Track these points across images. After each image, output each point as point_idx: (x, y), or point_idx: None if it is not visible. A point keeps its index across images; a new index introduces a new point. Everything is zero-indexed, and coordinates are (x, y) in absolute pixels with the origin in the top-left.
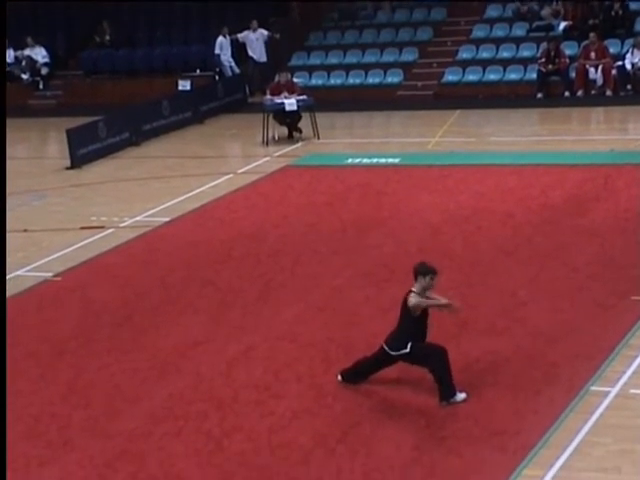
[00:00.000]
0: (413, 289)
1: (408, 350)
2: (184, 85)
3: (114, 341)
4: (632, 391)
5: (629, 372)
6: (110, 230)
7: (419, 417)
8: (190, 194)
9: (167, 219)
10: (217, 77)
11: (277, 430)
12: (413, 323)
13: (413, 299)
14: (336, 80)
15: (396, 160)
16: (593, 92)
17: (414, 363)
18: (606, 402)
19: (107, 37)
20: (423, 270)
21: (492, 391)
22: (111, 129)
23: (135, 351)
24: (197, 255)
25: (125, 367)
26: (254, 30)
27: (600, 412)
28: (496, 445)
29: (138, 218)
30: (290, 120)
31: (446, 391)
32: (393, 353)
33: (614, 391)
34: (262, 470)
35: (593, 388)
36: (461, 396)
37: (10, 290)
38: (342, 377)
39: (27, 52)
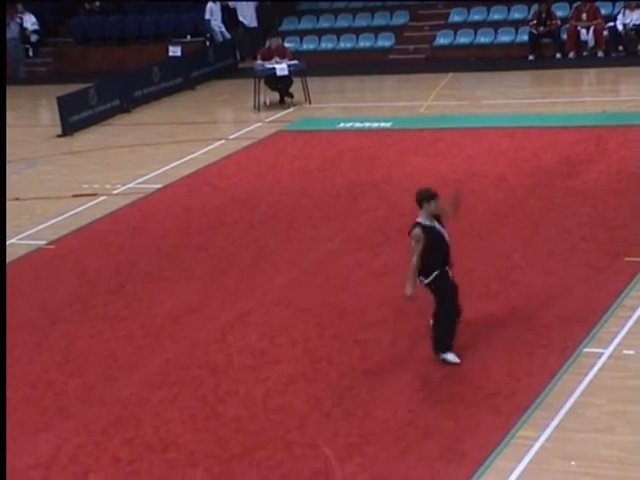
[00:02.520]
0: (419, 220)
1: (432, 279)
2: (175, 51)
3: (108, 308)
4: (625, 352)
5: (622, 333)
6: (102, 197)
7: (414, 380)
8: (182, 160)
9: (159, 186)
10: (208, 43)
11: (272, 395)
12: (429, 253)
13: (415, 232)
14: (327, 44)
15: (388, 124)
16: (585, 54)
17: (434, 293)
18: (600, 363)
19: (97, 3)
20: (428, 196)
21: (486, 353)
22: (102, 96)
23: (130, 318)
24: (190, 221)
25: (120, 334)
26: None
27: (594, 373)
28: (490, 407)
29: (130, 185)
30: (281, 85)
31: (440, 342)
32: (425, 281)
33: (607, 352)
34: (258, 435)
35: (586, 349)
36: (451, 357)
37: None
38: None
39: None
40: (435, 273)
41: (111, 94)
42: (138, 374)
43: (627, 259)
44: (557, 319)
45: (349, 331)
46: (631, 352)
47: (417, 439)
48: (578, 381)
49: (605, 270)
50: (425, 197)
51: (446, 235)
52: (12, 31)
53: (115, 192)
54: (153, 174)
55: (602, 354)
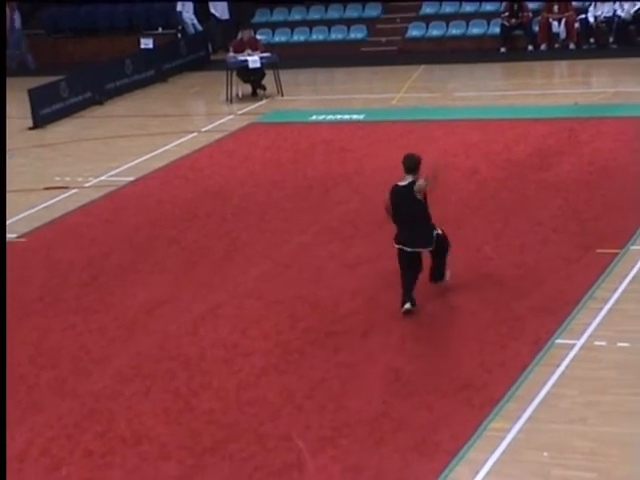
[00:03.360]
0: (417, 181)
1: (435, 239)
2: (146, 43)
3: (80, 301)
4: (597, 343)
5: (594, 324)
6: (74, 190)
7: (387, 372)
8: (154, 153)
9: (132, 178)
10: (179, 35)
11: (245, 387)
12: (426, 211)
13: (421, 183)
14: (299, 37)
15: (360, 116)
16: (556, 46)
17: (435, 250)
18: (572, 354)
19: None
20: (419, 160)
21: (459, 345)
22: (74, 88)
23: (102, 311)
24: (162, 214)
25: (92, 327)
26: None
27: (566, 364)
28: (463, 399)
29: (102, 178)
30: (254, 77)
31: (441, 271)
32: (426, 249)
33: (579, 343)
34: (230, 428)
35: (558, 341)
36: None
37: None
38: (411, 304)
39: None
40: (435, 234)
41: (83, 86)
42: (110, 367)
43: (599, 251)
44: (529, 311)
45: (322, 323)
46: (603, 343)
47: (390, 431)
48: (550, 372)
49: (577, 262)
50: (419, 162)
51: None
52: (17, 22)
53: (87, 185)
54: (125, 167)
55: (574, 345)
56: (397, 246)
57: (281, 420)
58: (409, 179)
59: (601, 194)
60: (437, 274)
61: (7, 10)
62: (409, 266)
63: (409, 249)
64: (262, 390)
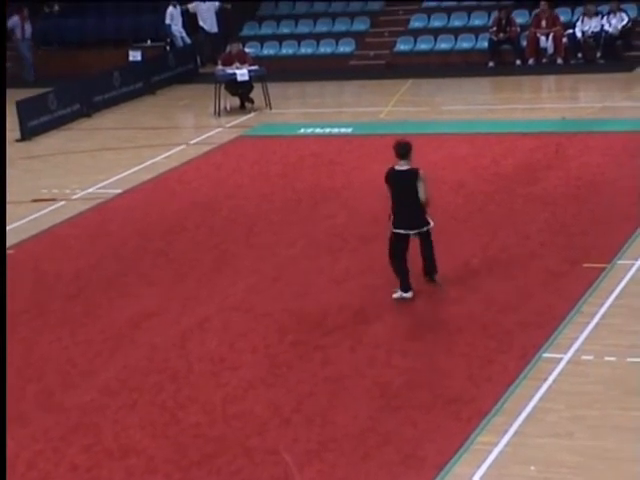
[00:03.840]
0: (416, 168)
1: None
2: (135, 56)
3: (67, 313)
4: (584, 357)
5: (581, 339)
6: (62, 202)
7: (374, 386)
8: (142, 165)
9: (119, 191)
10: (168, 48)
11: (232, 401)
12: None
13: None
14: (288, 50)
15: (349, 130)
16: (544, 60)
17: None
18: (558, 369)
19: (56, 7)
20: (411, 146)
21: (446, 359)
22: (62, 100)
23: (89, 323)
24: (150, 226)
25: (79, 340)
26: (204, 0)
27: (553, 378)
28: (450, 413)
29: (90, 190)
30: (242, 90)
31: (434, 265)
32: (424, 229)
33: (566, 358)
34: (217, 441)
35: (545, 355)
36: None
37: None
38: (404, 291)
39: None
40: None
41: (71, 98)
42: (97, 380)
43: (586, 265)
44: (516, 325)
45: (309, 337)
46: (590, 357)
47: (377, 445)
48: (537, 386)
49: (564, 276)
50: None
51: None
52: (27, 32)
53: (75, 197)
54: (113, 179)
55: (561, 360)
56: (397, 231)
57: (268, 434)
58: (405, 165)
59: (588, 208)
60: (431, 267)
61: (19, 20)
62: (403, 252)
63: (411, 231)
64: (249, 403)
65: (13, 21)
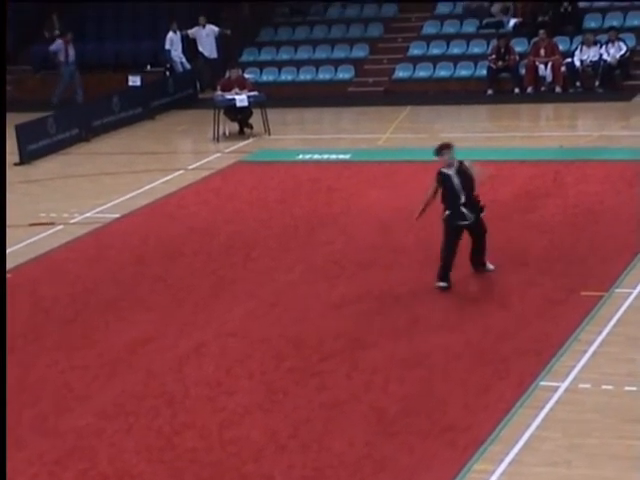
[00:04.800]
0: (462, 162)
1: (444, 217)
2: (134, 81)
3: (64, 338)
4: (581, 386)
5: (578, 367)
6: (60, 226)
7: (370, 413)
8: (141, 190)
9: (118, 215)
10: (168, 73)
11: (228, 426)
12: (443, 196)
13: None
14: (287, 76)
15: (347, 156)
16: (543, 89)
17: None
18: (555, 397)
19: (56, 32)
20: (438, 149)
21: (443, 386)
22: (61, 125)
23: (85, 348)
24: (148, 251)
25: (75, 364)
26: (204, 26)
27: (550, 407)
28: (447, 440)
29: (88, 214)
30: (241, 116)
31: (438, 272)
32: (481, 215)
33: (563, 386)
34: (213, 467)
35: (543, 383)
36: (441, 284)
37: None
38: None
39: None
40: (447, 212)
41: (70, 123)
42: (93, 404)
43: (583, 293)
44: (513, 352)
45: (306, 363)
46: (587, 386)
47: (373, 472)
48: (534, 415)
49: (562, 304)
50: (437, 150)
51: (457, 181)
52: (70, 56)
53: (72, 221)
54: (111, 204)
55: (558, 388)
56: (463, 223)
57: (264, 460)
58: (455, 162)
59: (586, 236)
60: (480, 260)
61: (62, 44)
62: (457, 244)
63: (472, 221)
64: (245, 429)
65: (57, 45)
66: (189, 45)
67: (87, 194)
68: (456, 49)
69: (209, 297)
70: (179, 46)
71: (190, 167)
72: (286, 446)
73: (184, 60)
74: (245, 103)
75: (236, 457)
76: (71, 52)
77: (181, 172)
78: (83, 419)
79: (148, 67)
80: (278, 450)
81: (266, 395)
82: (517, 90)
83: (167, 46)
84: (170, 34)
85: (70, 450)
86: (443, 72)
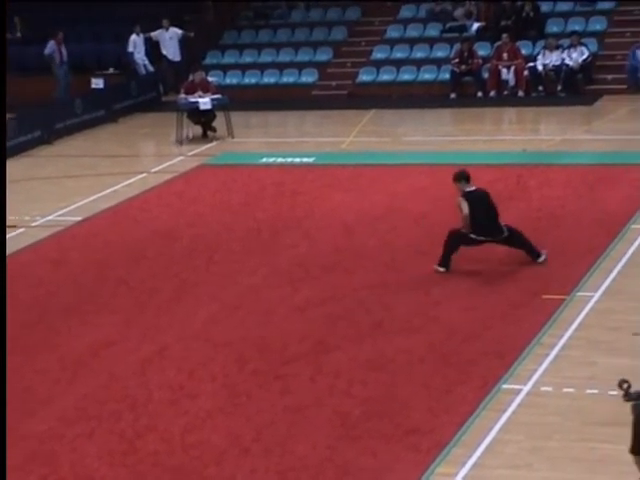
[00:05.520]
0: (478, 188)
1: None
2: (97, 83)
3: (26, 341)
4: (543, 389)
5: (540, 370)
6: (22, 229)
7: (333, 416)
8: (103, 193)
9: (80, 218)
10: (131, 75)
11: (191, 430)
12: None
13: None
14: (251, 79)
15: (311, 159)
16: (505, 92)
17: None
18: (518, 400)
19: (18, 33)
20: (455, 177)
21: (406, 390)
22: (23, 127)
23: (47, 351)
24: (111, 254)
25: (37, 368)
26: (167, 29)
27: (512, 410)
28: (410, 444)
29: (50, 217)
30: (204, 119)
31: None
32: (504, 235)
33: (526, 389)
34: (175, 470)
35: (505, 386)
36: (439, 268)
37: None
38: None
39: None
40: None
41: (32, 125)
42: (55, 408)
43: (545, 297)
44: (476, 356)
45: (269, 366)
46: (549, 389)
47: (336, 476)
48: (497, 418)
49: (524, 307)
50: (455, 178)
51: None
52: (64, 56)
53: (35, 224)
54: (74, 206)
55: (520, 391)
56: (480, 238)
57: (227, 463)
58: (472, 186)
59: (549, 240)
60: (534, 253)
61: (54, 44)
62: (466, 244)
63: (492, 238)
64: (208, 433)
65: (50, 47)
66: (152, 48)
67: (49, 197)
68: (419, 53)
69: (172, 300)
70: (142, 49)
71: (153, 170)
72: (249, 449)
73: (147, 63)
74: (208, 106)
75: (198, 461)
76: (64, 52)
77: (144, 175)
78: (44, 423)
79: (111, 70)
80: (241, 454)
81: (229, 398)
82: (480, 94)
83: (130, 49)
84: (133, 37)
85: (31, 455)
86: (406, 76)
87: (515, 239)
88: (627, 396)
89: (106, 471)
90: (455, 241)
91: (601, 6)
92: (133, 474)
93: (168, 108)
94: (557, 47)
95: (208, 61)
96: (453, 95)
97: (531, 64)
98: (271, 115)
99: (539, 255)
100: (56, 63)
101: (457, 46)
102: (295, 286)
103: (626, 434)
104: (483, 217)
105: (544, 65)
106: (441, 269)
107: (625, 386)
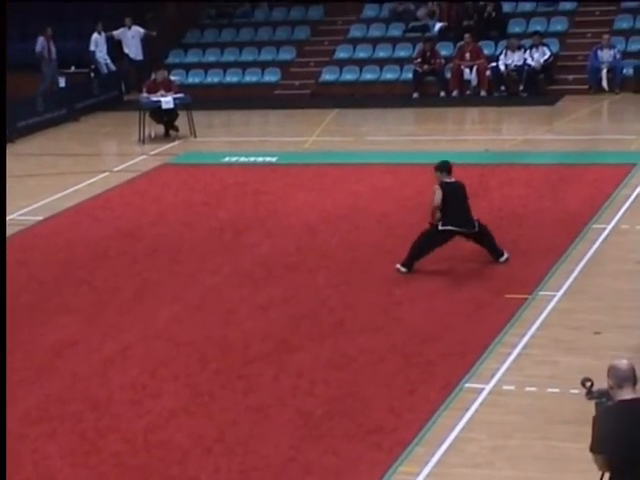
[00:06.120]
0: (457, 181)
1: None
2: (59, 82)
3: None
4: (505, 388)
5: (502, 369)
6: None
7: (296, 416)
8: (65, 192)
9: (42, 217)
10: (92, 74)
11: (153, 430)
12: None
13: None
14: (213, 78)
15: (273, 159)
16: (468, 92)
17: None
18: (480, 399)
19: None
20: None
21: (368, 389)
22: None
23: (9, 351)
24: (72, 254)
25: None
26: (129, 27)
27: (474, 409)
28: (372, 443)
29: (12, 216)
30: (167, 118)
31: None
32: (474, 229)
33: (488, 388)
34: (138, 470)
35: (467, 385)
36: (400, 268)
37: None
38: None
39: None
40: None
41: None
42: (17, 409)
43: (507, 296)
44: (438, 355)
45: (232, 366)
46: (511, 388)
47: (299, 475)
48: (459, 416)
49: (486, 307)
50: (436, 167)
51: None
52: (52, 53)
53: None
54: (35, 206)
55: (483, 390)
56: (450, 228)
57: (189, 463)
58: (452, 178)
59: (511, 239)
60: (497, 252)
61: (44, 41)
62: (435, 245)
63: (464, 230)
64: (171, 432)
65: (40, 44)
66: (114, 46)
67: (10, 196)
68: (382, 52)
69: (134, 300)
70: (104, 47)
71: (115, 169)
72: (212, 449)
73: (109, 61)
74: (171, 105)
75: (161, 461)
76: (52, 48)
77: (106, 174)
78: (7, 423)
79: (72, 68)
80: (204, 453)
81: (191, 398)
82: (443, 94)
83: (92, 47)
84: (95, 35)
85: None
86: (369, 75)
87: (484, 236)
88: (590, 394)
89: (68, 472)
90: (425, 243)
91: (563, 7)
92: (95, 474)
93: (130, 107)
94: (519, 47)
95: (170, 60)
96: (416, 95)
97: (493, 64)
98: (234, 114)
99: (502, 254)
100: (45, 60)
101: (420, 46)
102: (257, 286)
103: (587, 433)
104: (456, 208)
105: (506, 65)
106: (403, 269)
107: (588, 384)
